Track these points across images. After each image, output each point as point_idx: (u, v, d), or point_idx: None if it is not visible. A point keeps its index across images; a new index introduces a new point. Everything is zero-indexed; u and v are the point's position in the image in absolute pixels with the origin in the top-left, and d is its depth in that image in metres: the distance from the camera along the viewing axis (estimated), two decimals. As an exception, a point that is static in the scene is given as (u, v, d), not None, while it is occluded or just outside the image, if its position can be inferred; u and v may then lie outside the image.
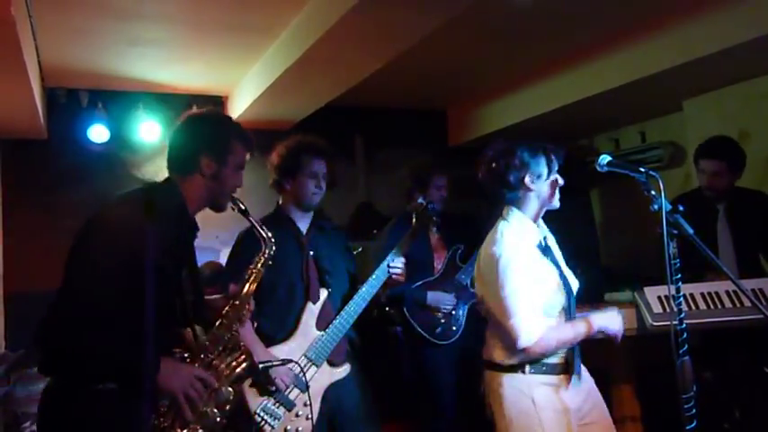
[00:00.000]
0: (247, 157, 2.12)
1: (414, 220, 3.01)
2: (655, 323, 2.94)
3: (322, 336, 2.73)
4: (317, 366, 2.70)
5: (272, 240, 2.22)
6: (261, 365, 2.20)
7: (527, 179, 2.30)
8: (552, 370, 2.29)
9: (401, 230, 3.08)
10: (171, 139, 2.05)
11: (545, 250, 2.35)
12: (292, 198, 2.87)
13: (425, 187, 3.70)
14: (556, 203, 2.36)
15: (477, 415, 3.78)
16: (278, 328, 2.74)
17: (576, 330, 2.27)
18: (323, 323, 2.76)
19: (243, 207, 2.14)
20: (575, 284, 2.38)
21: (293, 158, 2.84)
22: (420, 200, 3.12)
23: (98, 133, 4.73)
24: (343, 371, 2.80)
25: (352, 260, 3.08)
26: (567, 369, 2.31)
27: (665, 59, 4.04)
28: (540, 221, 2.41)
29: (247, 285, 2.16)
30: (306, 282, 2.79)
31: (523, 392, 2.26)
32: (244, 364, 2.09)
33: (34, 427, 3.56)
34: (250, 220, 2.18)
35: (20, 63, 3.32)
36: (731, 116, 4.64)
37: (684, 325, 1.99)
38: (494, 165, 2.33)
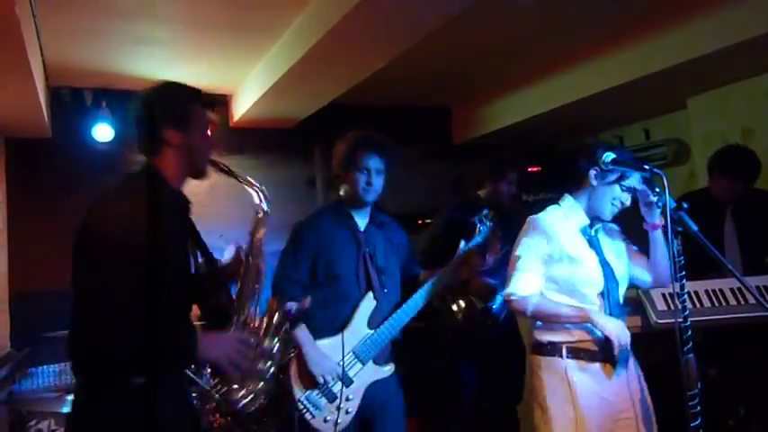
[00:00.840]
0: (211, 116, 2.09)
1: (477, 230, 2.97)
2: (659, 321, 2.94)
3: (372, 334, 2.75)
4: (362, 363, 2.73)
5: (264, 190, 2.20)
6: (292, 311, 2.28)
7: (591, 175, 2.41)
8: (589, 357, 2.36)
9: (450, 236, 3.05)
10: (132, 124, 2.02)
11: (590, 236, 2.44)
12: (349, 195, 2.85)
13: (499, 179, 3.68)
14: (605, 215, 2.42)
15: (497, 411, 3.81)
16: (330, 321, 2.75)
17: (566, 311, 2.36)
18: (375, 322, 2.77)
19: (224, 167, 2.12)
20: (621, 275, 2.43)
21: (349, 153, 2.83)
22: (485, 210, 3.05)
23: (102, 132, 4.74)
24: (388, 370, 2.82)
25: (408, 256, 3.04)
26: (606, 358, 2.35)
27: (669, 57, 4.03)
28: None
29: (254, 237, 2.15)
30: (365, 279, 2.79)
31: (562, 377, 2.35)
32: (277, 313, 2.16)
33: (40, 426, 3.57)
34: (235, 177, 2.15)
35: (24, 62, 3.33)
36: (735, 113, 4.63)
37: (689, 322, 1.99)
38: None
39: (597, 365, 2.36)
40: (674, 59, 4.01)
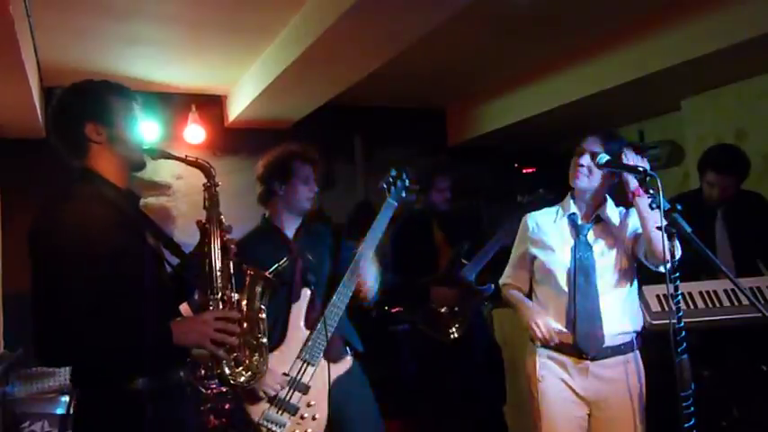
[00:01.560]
0: (134, 106, 2.00)
1: (387, 193, 2.95)
2: (653, 322, 2.94)
3: (311, 334, 2.72)
4: (312, 366, 2.69)
5: (208, 163, 2.14)
6: (271, 275, 2.23)
7: None
8: (558, 348, 2.45)
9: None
10: (51, 129, 1.98)
11: (576, 224, 2.51)
12: (284, 204, 2.87)
13: (427, 189, 3.69)
14: (573, 182, 2.52)
15: (482, 413, 3.82)
16: (272, 333, 2.68)
17: (517, 305, 2.63)
18: (310, 321, 2.75)
19: (159, 151, 2.05)
20: (602, 264, 2.45)
21: (283, 164, 2.87)
22: (392, 172, 3.02)
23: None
24: (345, 364, 2.80)
25: (339, 251, 3.01)
26: (576, 352, 2.39)
27: (664, 59, 4.05)
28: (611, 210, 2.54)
29: (211, 211, 2.07)
30: (294, 284, 2.78)
31: (534, 363, 2.51)
32: (257, 282, 2.13)
33: (33, 427, 3.56)
34: (175, 158, 2.09)
35: (18, 62, 3.32)
36: (729, 115, 4.65)
37: (683, 324, 2.00)
38: None
39: (565, 357, 2.43)
40: (668, 61, 4.02)
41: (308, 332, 2.73)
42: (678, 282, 2.04)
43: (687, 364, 1.99)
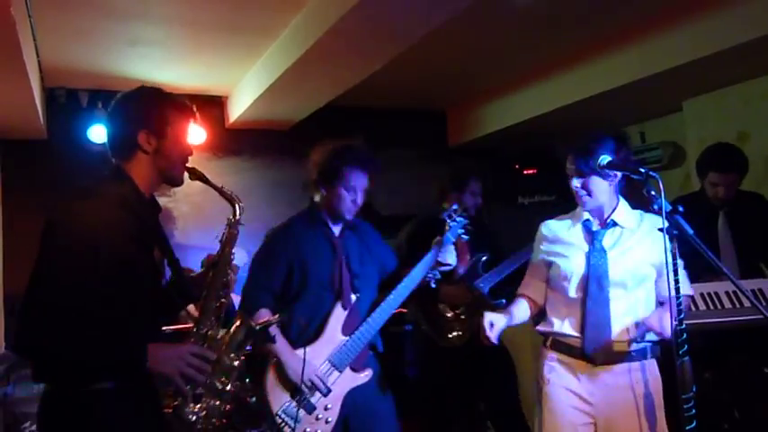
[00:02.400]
0: (190, 123, 2.04)
1: (447, 227, 2.89)
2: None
3: (347, 341, 2.69)
4: (339, 371, 2.68)
5: (239, 198, 2.16)
6: (258, 327, 2.16)
7: None
8: (566, 350, 2.44)
9: (426, 235, 3.00)
10: (107, 126, 2.00)
11: (592, 230, 2.48)
12: (326, 205, 2.78)
13: (461, 191, 3.67)
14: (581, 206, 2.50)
15: (485, 416, 3.81)
16: (305, 330, 2.70)
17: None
18: (349, 328, 2.72)
19: (199, 174, 2.07)
20: (616, 269, 2.41)
21: (335, 166, 2.72)
22: (455, 206, 2.97)
23: (98, 133, 4.72)
24: (365, 376, 2.76)
25: (386, 256, 2.99)
26: (584, 358, 2.38)
27: (665, 60, 4.04)
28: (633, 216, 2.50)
29: (223, 250, 2.10)
30: (338, 286, 2.73)
31: (543, 363, 2.50)
32: (241, 329, 2.08)
33: (33, 428, 3.56)
34: (211, 185, 2.10)
35: (19, 63, 3.32)
36: (731, 116, 4.64)
37: (684, 325, 1.99)
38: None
39: (574, 361, 2.41)
40: (669, 62, 4.02)
41: (343, 338, 2.70)
42: (680, 283, 2.03)
43: (689, 365, 1.98)
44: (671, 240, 2.03)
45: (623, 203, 2.49)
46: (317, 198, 2.81)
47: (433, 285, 2.91)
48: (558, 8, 3.80)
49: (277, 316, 2.47)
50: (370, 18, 3.21)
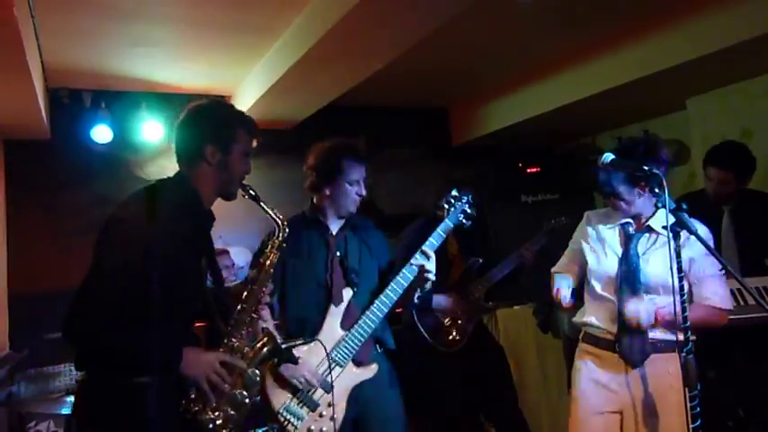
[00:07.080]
0: (254, 143, 2.16)
1: (447, 212, 2.87)
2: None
3: (345, 336, 2.68)
4: (341, 367, 2.66)
5: (285, 223, 2.25)
6: (284, 346, 2.23)
7: None
8: (595, 342, 2.51)
9: (425, 232, 2.98)
10: (176, 133, 2.09)
11: (629, 234, 2.51)
12: (329, 202, 2.80)
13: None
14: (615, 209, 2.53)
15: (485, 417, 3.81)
16: (302, 328, 2.71)
17: (552, 278, 2.72)
18: (348, 323, 2.71)
19: (253, 193, 2.17)
20: (649, 274, 2.41)
21: (333, 163, 2.77)
22: (454, 191, 2.93)
23: (101, 133, 4.73)
24: (370, 371, 2.74)
25: (386, 255, 2.97)
26: (612, 347, 2.43)
27: (669, 57, 4.04)
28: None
29: (264, 269, 2.18)
30: (330, 282, 2.74)
31: (578, 357, 2.58)
32: (267, 346, 2.14)
33: (39, 427, 3.57)
34: (261, 206, 2.20)
35: (23, 63, 3.32)
36: (735, 114, 4.63)
37: (688, 323, 1.99)
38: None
39: (605, 352, 2.46)
40: (673, 60, 4.01)
41: (342, 332, 2.70)
42: (684, 281, 2.03)
43: (693, 364, 1.98)
44: (674, 238, 2.03)
45: (662, 212, 2.47)
46: (315, 199, 2.86)
47: (417, 302, 2.87)
48: (561, 6, 3.79)
49: (305, 340, 2.55)
50: (372, 17, 3.21)
